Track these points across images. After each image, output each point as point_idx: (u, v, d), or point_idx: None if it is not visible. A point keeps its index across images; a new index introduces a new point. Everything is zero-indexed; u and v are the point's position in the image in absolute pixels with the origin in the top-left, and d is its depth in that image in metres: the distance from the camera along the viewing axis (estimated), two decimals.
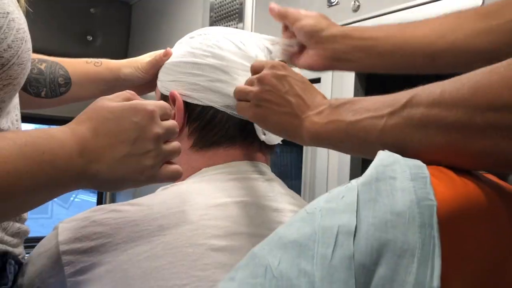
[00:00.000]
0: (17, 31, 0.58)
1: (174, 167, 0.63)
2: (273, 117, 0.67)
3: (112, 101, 0.59)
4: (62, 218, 0.68)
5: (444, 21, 0.76)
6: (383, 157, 0.47)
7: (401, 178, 0.44)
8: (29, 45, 0.62)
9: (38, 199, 0.54)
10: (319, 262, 0.39)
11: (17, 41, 0.58)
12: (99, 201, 2.51)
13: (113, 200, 2.43)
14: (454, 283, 0.43)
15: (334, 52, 0.78)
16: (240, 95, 0.72)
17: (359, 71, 0.86)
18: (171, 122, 0.62)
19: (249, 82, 0.72)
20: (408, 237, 0.40)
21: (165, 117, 0.62)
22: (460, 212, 0.45)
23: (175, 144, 0.63)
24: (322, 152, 1.33)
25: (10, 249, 0.68)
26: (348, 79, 1.25)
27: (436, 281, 0.39)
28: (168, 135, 0.61)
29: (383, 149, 0.50)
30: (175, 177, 0.63)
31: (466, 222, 0.46)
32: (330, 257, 0.39)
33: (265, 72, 0.69)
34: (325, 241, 0.40)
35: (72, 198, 6.11)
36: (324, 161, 1.32)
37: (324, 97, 0.66)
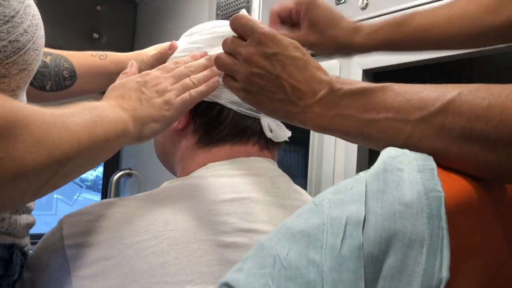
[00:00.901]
0: (32, 17, 0.60)
1: (186, 93, 0.69)
2: (266, 103, 0.62)
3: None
4: None
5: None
6: (390, 150, 0.47)
7: (408, 170, 0.44)
8: (43, 32, 0.64)
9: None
10: (328, 252, 0.40)
11: (32, 26, 0.60)
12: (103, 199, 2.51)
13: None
14: (460, 276, 0.43)
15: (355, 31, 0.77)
16: (225, 69, 0.67)
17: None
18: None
19: (229, 51, 0.65)
20: (417, 228, 0.40)
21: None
22: (467, 205, 0.45)
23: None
24: (328, 152, 1.32)
25: (17, 240, 0.68)
26: (355, 77, 1.25)
27: (445, 272, 0.39)
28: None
29: None
30: (188, 102, 0.69)
31: (473, 214, 0.46)
32: (339, 247, 0.39)
33: (252, 50, 0.61)
34: (334, 231, 0.40)
35: (75, 197, 6.15)
36: (331, 161, 1.31)
37: (323, 73, 0.59)
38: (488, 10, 0.68)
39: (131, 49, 2.43)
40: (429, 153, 0.46)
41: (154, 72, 0.69)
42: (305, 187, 1.36)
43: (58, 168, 0.50)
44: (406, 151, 0.47)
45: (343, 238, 0.40)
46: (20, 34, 0.58)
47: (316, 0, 0.78)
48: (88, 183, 6.58)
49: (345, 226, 0.40)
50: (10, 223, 0.66)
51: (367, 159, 1.29)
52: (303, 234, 0.42)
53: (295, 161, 1.56)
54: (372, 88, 0.52)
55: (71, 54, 0.93)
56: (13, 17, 0.56)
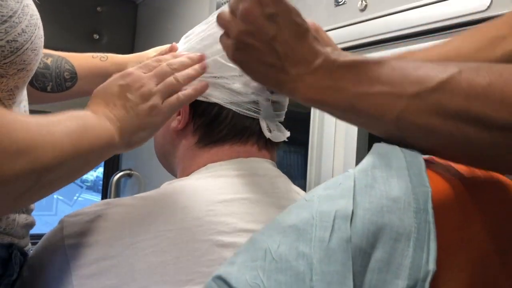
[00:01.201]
0: (31, 17, 0.60)
1: (173, 97, 0.68)
2: (254, 65, 0.58)
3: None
4: None
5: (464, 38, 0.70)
6: (379, 147, 0.48)
7: (396, 166, 0.45)
8: (41, 32, 0.64)
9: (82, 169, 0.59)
10: (317, 245, 0.41)
11: (30, 26, 0.60)
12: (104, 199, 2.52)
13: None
14: (449, 270, 0.44)
15: None
16: (221, 25, 0.62)
17: None
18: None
19: (232, 8, 0.60)
20: (404, 222, 0.41)
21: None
22: (454, 200, 0.46)
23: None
24: (327, 153, 1.33)
25: (16, 240, 0.69)
26: None
27: (432, 264, 0.40)
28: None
29: (399, 133, 0.47)
30: (176, 105, 0.68)
31: (460, 210, 0.47)
32: (328, 240, 0.41)
33: (249, 6, 0.56)
34: (322, 225, 0.42)
35: (76, 197, 6.17)
36: (330, 161, 1.32)
37: (320, 44, 0.55)
38: (481, 49, 0.67)
39: (132, 50, 2.44)
40: (420, 130, 0.45)
41: (136, 71, 0.68)
42: (304, 188, 1.37)
43: (39, 178, 0.50)
44: (395, 147, 0.48)
45: (331, 231, 0.41)
46: (18, 34, 0.58)
47: None
48: (88, 184, 6.59)
49: (334, 220, 0.41)
50: (8, 223, 0.67)
51: None
52: (294, 228, 0.43)
53: (294, 162, 1.57)
54: (368, 61, 0.50)
55: (72, 55, 0.94)
56: (10, 17, 0.57)
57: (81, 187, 6.21)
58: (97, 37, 2.34)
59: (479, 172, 0.52)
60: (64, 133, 0.53)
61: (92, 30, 2.33)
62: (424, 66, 0.47)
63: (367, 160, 0.47)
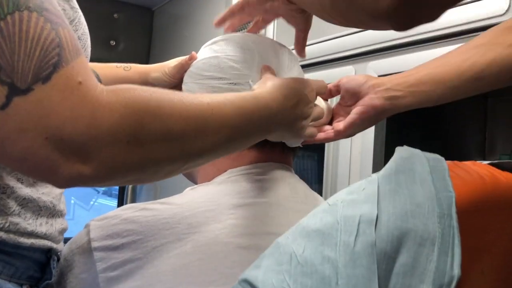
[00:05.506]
0: (84, 27, 0.63)
1: (314, 129, 0.75)
2: None
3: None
4: (84, 220, 0.71)
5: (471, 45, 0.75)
6: (402, 151, 0.49)
7: (420, 171, 0.45)
8: (89, 41, 0.66)
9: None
10: (342, 249, 0.41)
11: (84, 35, 0.63)
12: (120, 205, 2.54)
13: (133, 201, 2.46)
14: (473, 275, 0.44)
15: (386, 91, 0.78)
16: None
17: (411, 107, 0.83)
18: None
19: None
20: (428, 227, 0.41)
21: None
22: (478, 204, 0.46)
23: (319, 109, 0.75)
24: (344, 157, 1.33)
25: (54, 245, 0.70)
26: None
27: (456, 269, 0.41)
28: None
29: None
30: (312, 136, 0.75)
31: (485, 214, 0.47)
32: (353, 244, 0.41)
33: None
34: (347, 229, 0.42)
35: (92, 202, 6.22)
36: (346, 166, 1.32)
37: None
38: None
39: (148, 56, 2.47)
40: None
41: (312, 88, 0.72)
42: (320, 193, 1.37)
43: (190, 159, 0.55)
44: (418, 151, 0.48)
45: (356, 235, 0.41)
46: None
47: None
48: (104, 189, 6.65)
49: (358, 224, 0.42)
50: (47, 228, 0.69)
51: (382, 163, 1.29)
52: (318, 232, 0.43)
53: (309, 167, 1.57)
54: None
55: (97, 66, 0.95)
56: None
57: (98, 191, 6.27)
58: (114, 43, 2.36)
59: (501, 176, 0.52)
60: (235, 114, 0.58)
61: (109, 37, 2.36)
62: None
63: (390, 165, 0.47)
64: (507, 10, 0.92)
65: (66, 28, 0.49)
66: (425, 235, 0.41)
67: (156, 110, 0.50)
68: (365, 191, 0.45)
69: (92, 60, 0.98)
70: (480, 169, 0.51)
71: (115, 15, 2.36)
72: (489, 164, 0.53)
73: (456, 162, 0.51)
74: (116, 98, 0.48)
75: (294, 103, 0.67)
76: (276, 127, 0.66)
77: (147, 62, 2.58)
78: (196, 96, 0.57)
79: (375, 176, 0.46)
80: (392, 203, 0.43)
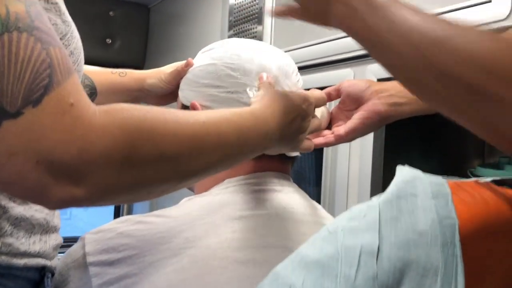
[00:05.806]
0: (77, 41, 0.62)
1: (310, 142, 0.74)
2: None
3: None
4: (81, 219, 0.70)
5: None
6: (404, 173, 0.48)
7: (422, 196, 0.44)
8: (83, 55, 0.65)
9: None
10: (343, 282, 0.40)
11: (77, 49, 0.62)
12: (117, 208, 2.53)
13: (130, 208, 2.46)
14: None
15: (390, 97, 0.77)
16: None
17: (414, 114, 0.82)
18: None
19: None
20: (431, 257, 0.40)
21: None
22: (482, 229, 0.45)
23: (317, 121, 0.74)
24: (342, 158, 1.32)
25: (48, 263, 0.69)
26: None
27: None
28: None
29: None
30: (309, 150, 0.73)
31: (489, 238, 0.46)
32: (354, 278, 0.40)
33: None
34: (348, 261, 0.41)
35: None
36: (345, 167, 1.31)
37: None
38: None
39: (144, 54, 2.45)
40: None
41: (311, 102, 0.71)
42: (318, 194, 1.37)
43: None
44: (420, 174, 0.47)
45: (357, 268, 0.40)
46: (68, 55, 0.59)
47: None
48: None
49: (359, 256, 0.41)
50: (41, 246, 0.67)
51: (382, 165, 1.28)
52: (318, 263, 0.42)
53: (307, 166, 1.56)
54: None
55: (91, 71, 0.94)
56: (60, 39, 0.58)
57: None
58: (110, 41, 2.34)
59: (504, 196, 0.51)
60: (235, 130, 0.58)
61: (105, 35, 2.33)
62: None
63: (391, 189, 0.46)
64: (508, 15, 0.90)
65: (57, 46, 0.48)
66: (427, 266, 0.40)
67: (150, 132, 0.49)
68: (366, 218, 0.43)
69: (88, 59, 0.96)
70: (483, 190, 0.50)
71: (111, 13, 2.33)
72: (492, 181, 0.52)
73: (458, 183, 0.50)
74: (109, 119, 0.47)
75: (292, 118, 0.66)
76: (274, 143, 0.64)
77: (143, 60, 2.56)
78: (192, 114, 0.56)
79: (376, 201, 0.45)
80: (393, 231, 0.42)
